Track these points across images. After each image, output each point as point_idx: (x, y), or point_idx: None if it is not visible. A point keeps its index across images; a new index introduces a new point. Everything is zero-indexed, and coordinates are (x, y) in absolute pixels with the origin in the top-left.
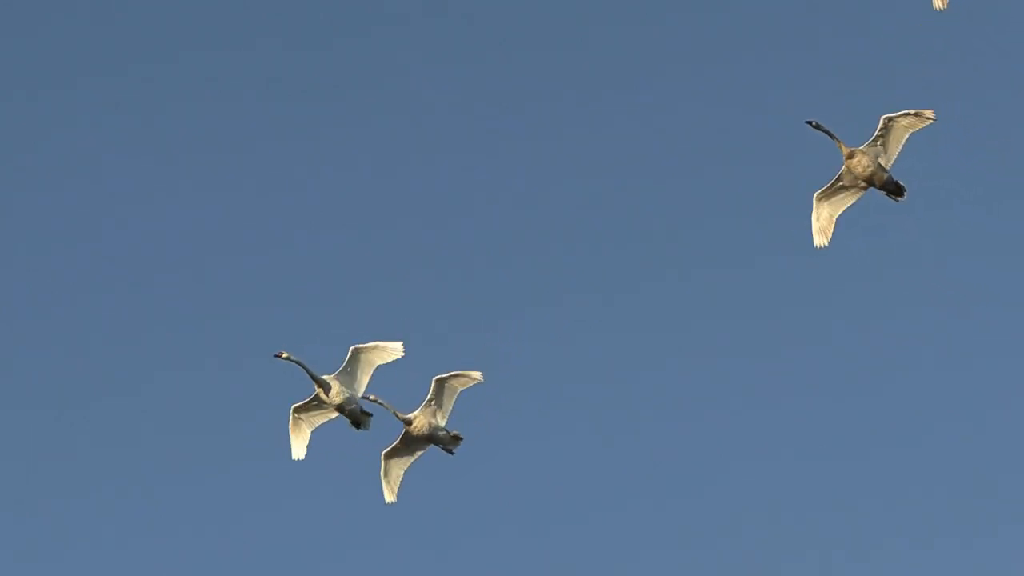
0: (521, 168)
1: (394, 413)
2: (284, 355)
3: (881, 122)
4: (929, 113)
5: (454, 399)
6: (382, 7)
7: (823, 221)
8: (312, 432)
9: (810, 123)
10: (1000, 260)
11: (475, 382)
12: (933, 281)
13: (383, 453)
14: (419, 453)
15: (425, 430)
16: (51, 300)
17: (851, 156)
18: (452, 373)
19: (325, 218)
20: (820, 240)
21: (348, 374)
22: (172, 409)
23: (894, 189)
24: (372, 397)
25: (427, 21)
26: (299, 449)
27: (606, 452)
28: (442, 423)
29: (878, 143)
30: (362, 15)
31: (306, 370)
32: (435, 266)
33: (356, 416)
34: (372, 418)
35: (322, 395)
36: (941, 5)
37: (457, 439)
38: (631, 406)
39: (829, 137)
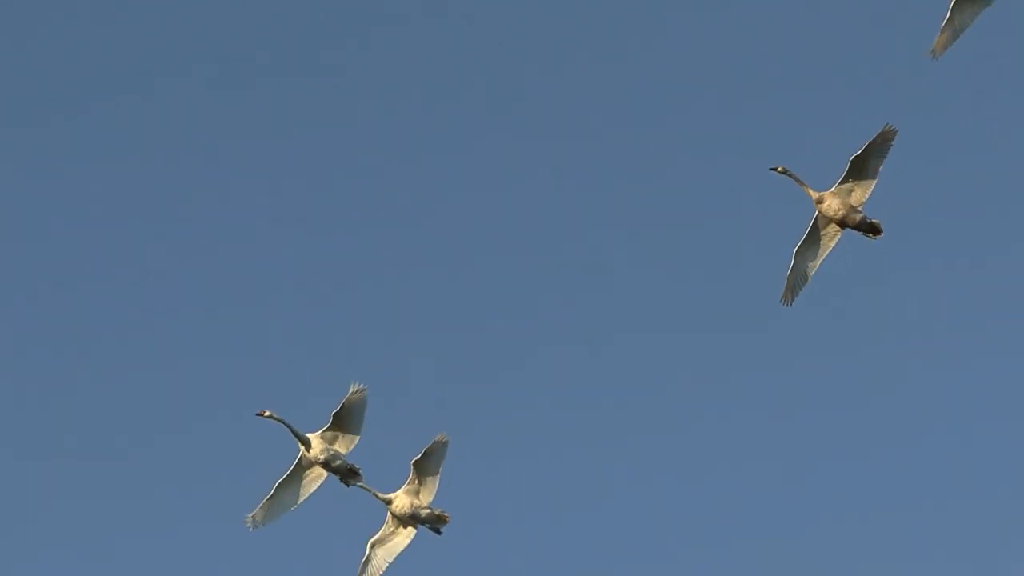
0: (520, 170)
1: (374, 495)
2: (267, 413)
3: (848, 165)
4: (889, 132)
5: (438, 475)
6: (382, 6)
7: (798, 276)
8: (301, 503)
9: (775, 169)
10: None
11: (445, 445)
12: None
13: (370, 542)
14: (407, 541)
15: (407, 510)
16: (51, 303)
17: (820, 201)
18: (423, 451)
19: (324, 222)
20: (788, 297)
21: (334, 432)
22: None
23: (869, 229)
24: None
25: (427, 20)
26: (264, 513)
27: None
28: (426, 502)
29: (849, 181)
30: (362, 14)
31: (289, 428)
32: (435, 269)
33: (343, 472)
34: (361, 472)
35: (305, 453)
36: (935, 55)
37: (442, 519)
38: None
39: (796, 183)
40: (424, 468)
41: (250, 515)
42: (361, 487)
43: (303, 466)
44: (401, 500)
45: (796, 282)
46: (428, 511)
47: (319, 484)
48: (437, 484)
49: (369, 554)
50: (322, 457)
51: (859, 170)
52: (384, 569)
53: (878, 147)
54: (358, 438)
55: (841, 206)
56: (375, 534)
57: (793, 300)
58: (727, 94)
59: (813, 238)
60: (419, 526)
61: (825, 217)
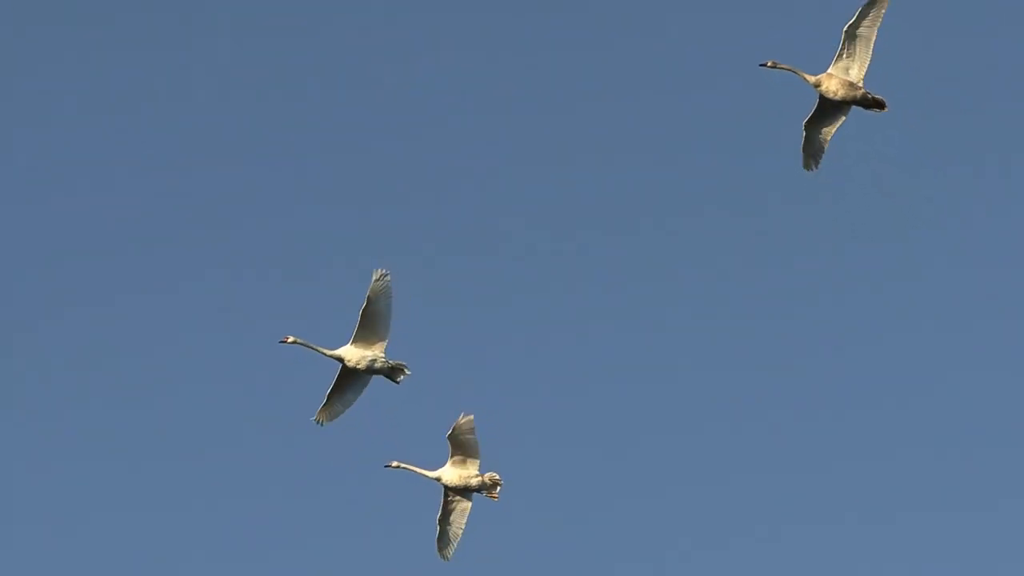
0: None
1: (422, 474)
2: (290, 339)
3: (843, 35)
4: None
5: (476, 444)
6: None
7: (815, 145)
8: (347, 410)
9: (764, 64)
10: None
11: (470, 424)
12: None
13: (438, 518)
14: (469, 506)
15: (457, 482)
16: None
17: (818, 84)
18: (451, 428)
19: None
20: (810, 164)
21: (363, 339)
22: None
23: (873, 104)
24: (395, 464)
25: (424, 12)
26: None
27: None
28: (473, 470)
29: (844, 57)
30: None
31: (316, 350)
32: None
33: (388, 371)
34: (406, 368)
35: (345, 366)
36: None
37: (495, 483)
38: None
39: (791, 73)
40: (458, 440)
41: (316, 415)
42: (408, 469)
43: (345, 372)
44: (449, 474)
45: (813, 151)
46: (479, 479)
47: (370, 380)
48: (479, 450)
49: (440, 531)
50: (363, 365)
51: (853, 40)
52: (459, 536)
53: (869, 14)
54: (387, 340)
55: (840, 85)
56: (439, 510)
57: (817, 166)
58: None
59: (821, 112)
60: (473, 495)
61: (827, 100)
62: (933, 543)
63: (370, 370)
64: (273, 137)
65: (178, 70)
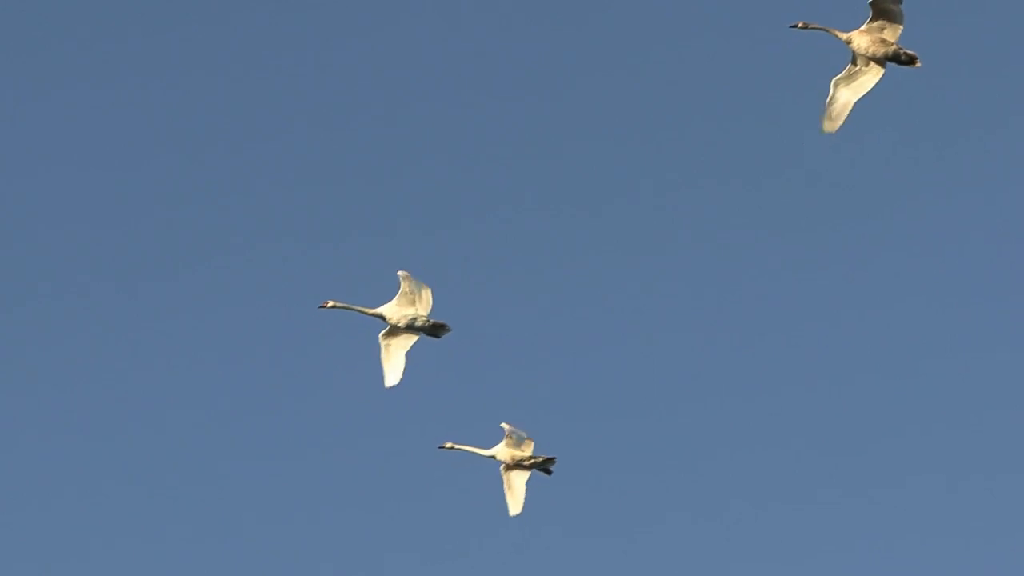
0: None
1: (475, 453)
2: (330, 304)
3: (871, 9)
4: None
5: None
6: None
7: (837, 107)
8: (406, 354)
9: (795, 26)
10: None
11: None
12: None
13: (501, 468)
14: (527, 474)
15: (510, 460)
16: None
17: (850, 41)
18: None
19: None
20: (829, 126)
21: (406, 298)
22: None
23: (906, 60)
24: (448, 445)
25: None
26: (393, 375)
27: None
28: (528, 452)
29: (876, 22)
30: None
31: (358, 311)
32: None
33: (429, 329)
34: (448, 325)
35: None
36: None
37: (549, 460)
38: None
39: (823, 31)
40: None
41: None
42: (462, 449)
43: (392, 329)
44: (503, 453)
45: (835, 112)
46: (532, 459)
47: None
48: (532, 442)
49: (507, 478)
50: (403, 323)
51: (880, 12)
52: (524, 490)
53: None
54: (430, 294)
55: (872, 41)
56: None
57: (836, 129)
58: None
59: (852, 72)
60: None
61: (860, 56)
62: (933, 521)
63: (411, 327)
64: (276, 128)
65: (177, 67)
